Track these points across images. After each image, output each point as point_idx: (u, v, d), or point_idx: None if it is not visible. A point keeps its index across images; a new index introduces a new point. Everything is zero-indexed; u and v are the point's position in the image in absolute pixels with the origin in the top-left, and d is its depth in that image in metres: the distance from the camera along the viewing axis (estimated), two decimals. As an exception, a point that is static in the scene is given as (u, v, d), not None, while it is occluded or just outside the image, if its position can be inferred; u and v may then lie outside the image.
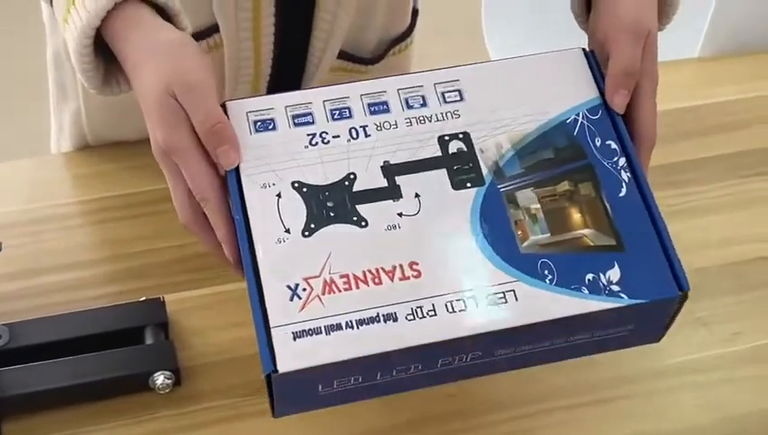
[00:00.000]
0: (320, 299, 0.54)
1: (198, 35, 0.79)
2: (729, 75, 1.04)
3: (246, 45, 0.85)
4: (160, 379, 0.68)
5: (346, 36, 0.88)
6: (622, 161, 0.60)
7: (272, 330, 0.54)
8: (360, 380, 0.56)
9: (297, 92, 0.62)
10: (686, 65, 1.06)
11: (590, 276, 0.56)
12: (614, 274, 0.57)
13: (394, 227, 0.57)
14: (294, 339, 0.53)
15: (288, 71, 0.89)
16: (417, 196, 0.58)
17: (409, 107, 0.61)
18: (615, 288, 0.57)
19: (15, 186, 0.86)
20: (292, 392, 0.57)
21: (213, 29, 0.82)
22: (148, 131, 0.58)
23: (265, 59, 0.86)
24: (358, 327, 0.54)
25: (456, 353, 0.56)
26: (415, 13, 0.97)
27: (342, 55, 0.91)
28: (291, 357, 0.53)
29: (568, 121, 0.61)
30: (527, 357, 0.59)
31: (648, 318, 0.60)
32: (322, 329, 0.54)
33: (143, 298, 0.74)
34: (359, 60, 0.93)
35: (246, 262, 0.55)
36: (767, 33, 1.12)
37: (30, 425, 0.67)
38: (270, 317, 0.54)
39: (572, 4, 0.75)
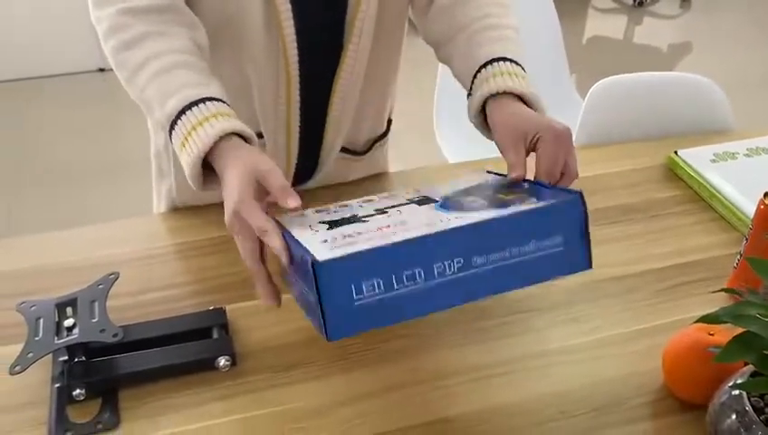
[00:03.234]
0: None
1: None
2: (595, 158, 1.05)
3: (281, 144, 0.87)
4: (222, 361, 0.69)
5: (346, 137, 0.91)
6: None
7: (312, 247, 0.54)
8: (382, 286, 0.52)
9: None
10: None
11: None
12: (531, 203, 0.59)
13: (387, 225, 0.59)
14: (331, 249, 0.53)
15: (308, 160, 0.92)
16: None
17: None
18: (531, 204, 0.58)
19: (131, 235, 0.86)
20: (334, 295, 0.51)
21: (259, 135, 0.84)
22: (225, 204, 0.61)
23: (293, 153, 0.88)
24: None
25: (444, 257, 0.54)
26: (389, 121, 1.00)
27: (343, 150, 0.93)
28: (327, 251, 0.52)
29: None
30: (488, 277, 0.55)
31: (565, 226, 0.57)
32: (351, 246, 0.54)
33: (211, 308, 0.75)
34: (353, 152, 0.95)
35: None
36: (622, 128, 1.14)
37: (137, 393, 0.67)
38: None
39: (470, 116, 0.75)
